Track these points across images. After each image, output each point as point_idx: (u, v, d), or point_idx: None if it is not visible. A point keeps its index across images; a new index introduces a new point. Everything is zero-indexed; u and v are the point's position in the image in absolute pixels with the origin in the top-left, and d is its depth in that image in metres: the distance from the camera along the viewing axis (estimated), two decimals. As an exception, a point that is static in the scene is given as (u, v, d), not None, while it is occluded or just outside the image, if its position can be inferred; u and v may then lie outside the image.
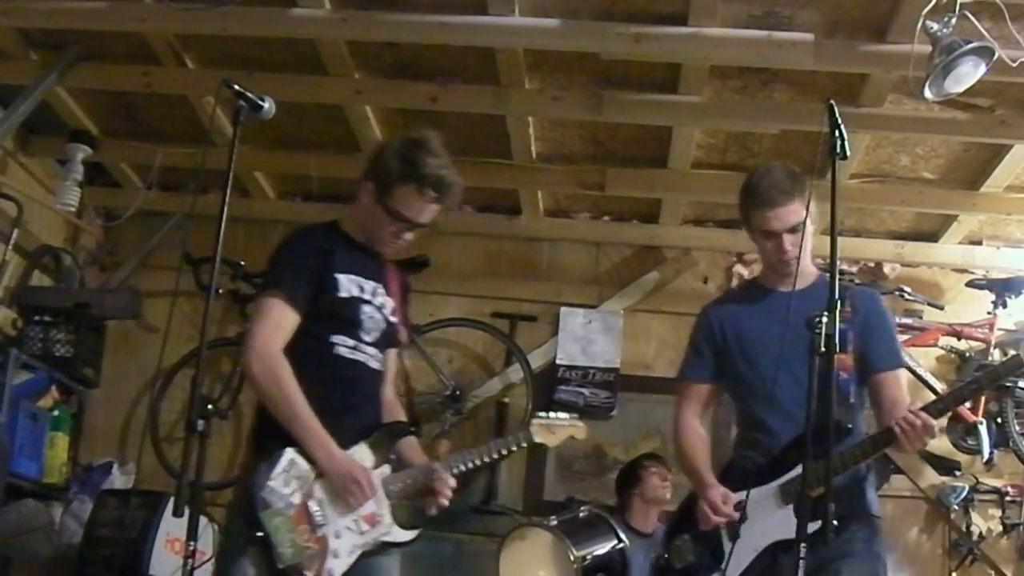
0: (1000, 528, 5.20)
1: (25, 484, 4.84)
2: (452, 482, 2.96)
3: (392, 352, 3.17)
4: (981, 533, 5.22)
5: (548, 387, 5.58)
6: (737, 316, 3.23)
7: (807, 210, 3.03)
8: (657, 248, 5.83)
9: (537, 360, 5.64)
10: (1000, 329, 5.30)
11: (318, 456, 2.83)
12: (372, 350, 3.02)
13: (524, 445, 3.18)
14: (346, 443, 2.89)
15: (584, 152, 5.23)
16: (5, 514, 4.65)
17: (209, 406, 2.41)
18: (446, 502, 2.96)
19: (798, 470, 2.85)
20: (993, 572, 5.22)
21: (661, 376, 5.62)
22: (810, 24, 4.02)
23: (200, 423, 2.37)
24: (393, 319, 3.09)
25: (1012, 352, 5.25)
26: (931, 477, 5.34)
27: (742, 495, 2.98)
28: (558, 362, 5.64)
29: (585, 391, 5.58)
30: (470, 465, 3.04)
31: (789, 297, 2.97)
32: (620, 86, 4.55)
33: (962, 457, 5.28)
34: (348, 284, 2.98)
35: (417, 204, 2.98)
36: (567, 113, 4.80)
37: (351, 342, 2.96)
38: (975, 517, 5.23)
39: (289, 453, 2.82)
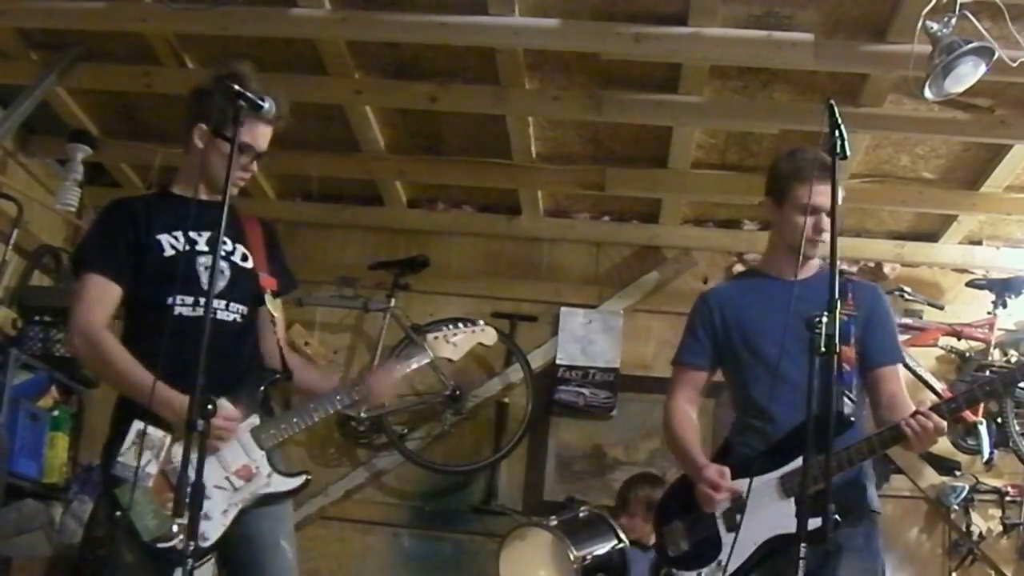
0: (1000, 528, 5.20)
1: (25, 484, 4.83)
2: (390, 376, 3.06)
3: (270, 303, 3.09)
4: (981, 533, 5.22)
5: (548, 387, 5.58)
6: (738, 302, 3.21)
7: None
8: (657, 248, 5.83)
9: (537, 360, 5.64)
10: (1000, 329, 5.30)
11: (163, 412, 2.74)
12: (219, 302, 2.92)
13: (426, 362, 3.14)
14: None
15: (584, 152, 5.23)
16: (5, 514, 4.65)
17: (209, 406, 2.40)
18: (386, 395, 3.06)
19: (799, 462, 2.83)
20: (993, 572, 5.22)
21: (661, 376, 5.54)
22: (810, 24, 4.02)
23: (200, 423, 2.36)
24: (244, 264, 3.02)
25: (1012, 352, 5.28)
26: (931, 477, 5.34)
27: (741, 481, 2.95)
28: (558, 362, 5.63)
29: (585, 391, 5.57)
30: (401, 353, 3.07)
31: (791, 286, 2.96)
32: (620, 86, 4.55)
33: (962, 457, 5.28)
34: (172, 241, 2.92)
35: (259, 130, 2.98)
36: (567, 113, 4.80)
37: (191, 299, 2.87)
38: (975, 517, 5.23)
39: (137, 424, 2.77)
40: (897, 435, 2.86)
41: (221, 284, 2.93)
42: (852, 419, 2.97)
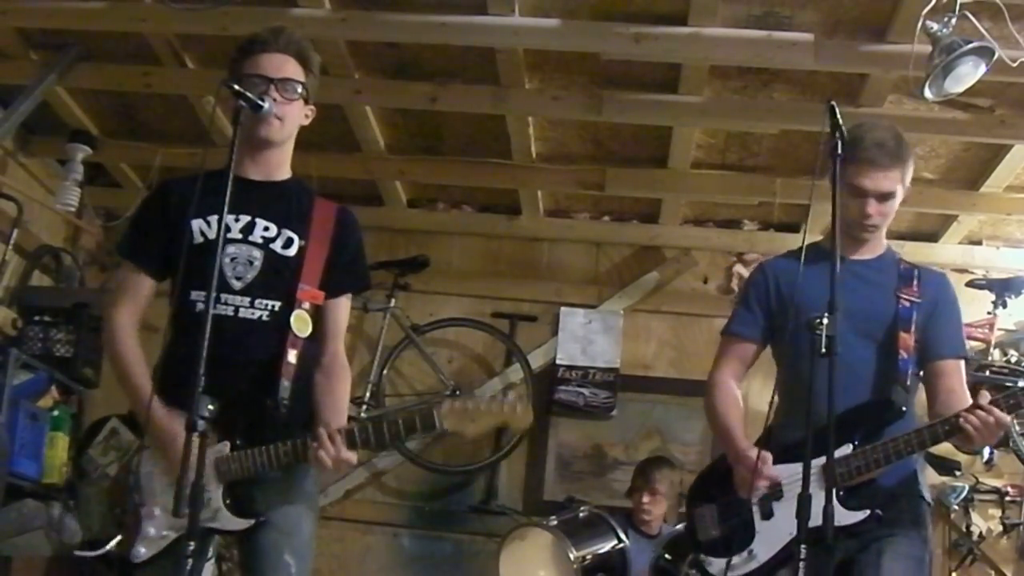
0: (1000, 528, 5.21)
1: (25, 484, 4.83)
2: (334, 444, 2.54)
3: (332, 303, 2.78)
4: (981, 533, 5.22)
5: (548, 387, 5.58)
6: (796, 277, 2.95)
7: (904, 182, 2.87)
8: (657, 248, 5.83)
9: (537, 360, 5.64)
10: (1000, 329, 5.29)
11: (157, 437, 2.59)
12: (242, 299, 2.66)
13: (427, 429, 2.57)
14: None
15: (584, 152, 5.23)
16: (5, 514, 4.64)
17: (209, 406, 2.38)
18: (327, 462, 2.55)
19: (844, 450, 2.73)
20: (993, 572, 5.23)
21: (661, 376, 5.63)
22: (810, 24, 4.02)
23: (200, 423, 2.34)
24: (285, 253, 2.72)
25: (1012, 352, 5.28)
26: (931, 477, 5.30)
27: (780, 468, 2.83)
28: (558, 362, 5.63)
29: (585, 391, 5.57)
30: (372, 436, 2.58)
31: (854, 264, 2.85)
32: (620, 86, 4.55)
33: (962, 457, 5.25)
34: (204, 227, 2.68)
35: (268, 60, 2.72)
36: (567, 113, 4.80)
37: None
38: (975, 517, 5.23)
39: (112, 422, 2.72)
40: (952, 429, 2.69)
41: (249, 276, 2.68)
42: (904, 408, 2.84)
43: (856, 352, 2.44)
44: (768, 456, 2.85)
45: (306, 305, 2.73)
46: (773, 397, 2.82)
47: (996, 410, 2.65)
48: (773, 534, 2.83)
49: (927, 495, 2.98)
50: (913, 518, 2.89)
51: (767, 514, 2.88)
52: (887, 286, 2.90)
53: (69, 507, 5.00)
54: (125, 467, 2.67)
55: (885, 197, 2.90)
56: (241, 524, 2.64)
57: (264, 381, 2.66)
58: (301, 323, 2.71)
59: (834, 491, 2.61)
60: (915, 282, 2.96)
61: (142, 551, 2.60)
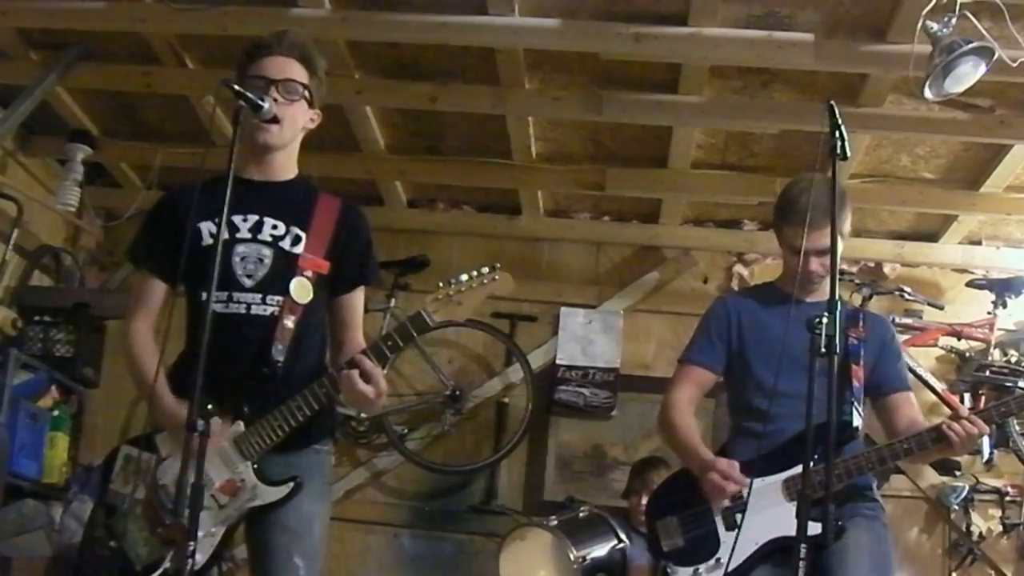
0: (1000, 528, 5.20)
1: (25, 484, 4.84)
2: (361, 364, 2.62)
3: (346, 297, 2.84)
4: (981, 533, 5.22)
5: (548, 387, 5.58)
6: (756, 313, 3.21)
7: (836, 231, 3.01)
8: (657, 248, 5.83)
9: (537, 360, 5.64)
10: (1000, 329, 5.30)
11: (166, 425, 2.67)
12: (253, 296, 2.71)
13: (422, 329, 2.74)
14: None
15: (584, 152, 5.23)
16: (5, 514, 4.65)
17: (209, 406, 2.39)
18: (358, 382, 2.63)
19: (798, 468, 2.89)
20: (993, 572, 5.22)
21: (661, 376, 5.57)
22: (810, 24, 4.02)
23: (200, 423, 2.35)
24: (294, 250, 2.76)
25: (1012, 352, 5.28)
26: (931, 477, 5.34)
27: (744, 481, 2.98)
28: (558, 362, 5.63)
29: (585, 391, 5.57)
30: (387, 346, 2.69)
31: (808, 306, 3.00)
32: (620, 86, 4.55)
33: (962, 457, 5.27)
34: (212, 229, 2.70)
35: (271, 62, 2.78)
36: (567, 113, 4.80)
37: (223, 294, 2.66)
38: (975, 517, 5.23)
39: (124, 450, 2.75)
40: (937, 438, 2.89)
41: (260, 273, 2.73)
42: (858, 429, 3.02)
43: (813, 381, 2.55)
44: (736, 463, 3.00)
45: (308, 273, 2.77)
46: None
47: (978, 420, 2.87)
48: (739, 543, 2.95)
49: (878, 497, 3.15)
50: (868, 506, 3.07)
51: (731, 526, 3.01)
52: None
53: (69, 510, 5.02)
54: (152, 485, 2.69)
55: (824, 252, 3.04)
56: (281, 492, 2.71)
57: (262, 351, 2.71)
58: (301, 289, 2.76)
59: (797, 503, 2.74)
60: (860, 323, 3.17)
61: (199, 557, 2.59)
